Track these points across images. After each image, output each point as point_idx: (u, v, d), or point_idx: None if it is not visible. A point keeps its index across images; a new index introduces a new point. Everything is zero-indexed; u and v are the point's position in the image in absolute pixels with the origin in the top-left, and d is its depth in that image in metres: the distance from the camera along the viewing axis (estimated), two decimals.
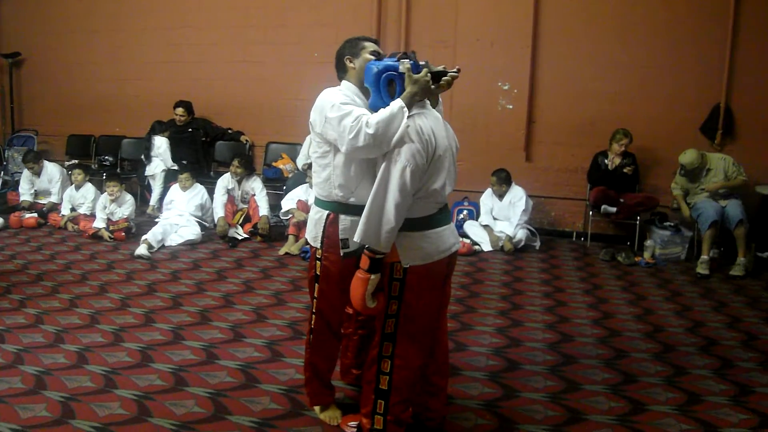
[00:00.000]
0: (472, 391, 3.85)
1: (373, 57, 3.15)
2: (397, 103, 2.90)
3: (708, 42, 7.27)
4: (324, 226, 3.22)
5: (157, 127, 8.84)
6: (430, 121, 2.92)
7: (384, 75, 2.95)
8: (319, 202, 3.28)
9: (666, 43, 7.40)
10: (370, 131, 2.85)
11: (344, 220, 3.19)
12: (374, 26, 8.15)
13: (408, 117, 2.87)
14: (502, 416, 3.57)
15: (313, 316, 3.39)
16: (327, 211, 3.22)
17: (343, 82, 3.26)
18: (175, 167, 8.51)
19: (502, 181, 7.37)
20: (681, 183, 6.97)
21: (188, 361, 4.15)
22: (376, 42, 3.27)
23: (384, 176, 2.82)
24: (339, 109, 2.99)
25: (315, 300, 3.36)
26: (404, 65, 2.94)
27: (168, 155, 8.67)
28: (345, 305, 3.44)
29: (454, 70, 3.06)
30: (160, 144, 8.71)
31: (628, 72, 7.55)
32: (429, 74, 2.92)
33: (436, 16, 8.08)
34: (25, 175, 8.49)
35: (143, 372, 3.98)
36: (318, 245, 3.26)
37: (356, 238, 2.89)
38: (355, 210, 3.16)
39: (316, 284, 3.33)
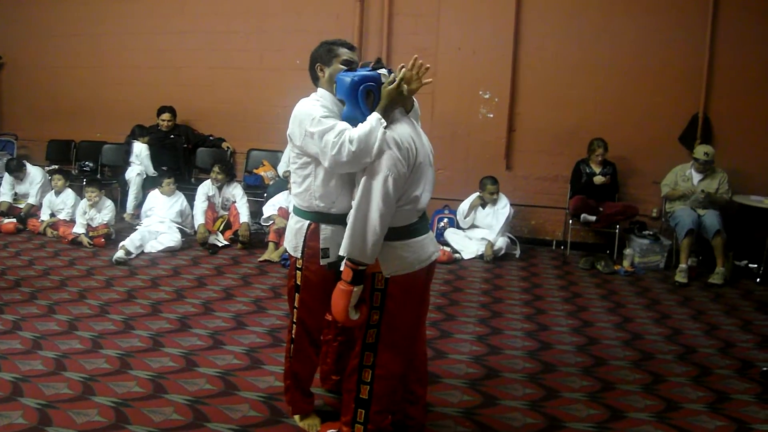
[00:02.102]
0: (452, 399, 3.86)
1: (344, 67, 3.12)
2: (374, 116, 2.88)
3: (686, 52, 7.35)
4: (305, 236, 3.21)
5: (137, 132, 8.81)
6: (408, 128, 2.92)
7: (362, 86, 2.91)
8: (298, 212, 3.27)
9: (645, 53, 7.47)
10: (353, 148, 2.83)
11: (325, 229, 3.18)
12: (356, 34, 8.16)
13: (385, 126, 2.87)
14: (482, 424, 3.58)
15: (294, 325, 3.38)
16: (308, 221, 3.21)
17: (319, 89, 3.23)
18: (156, 174, 8.47)
19: (497, 187, 7.38)
20: (673, 182, 7.07)
21: (167, 368, 4.13)
22: (352, 48, 3.22)
23: (366, 187, 2.80)
24: (320, 123, 2.97)
25: (295, 310, 3.35)
26: (384, 75, 2.93)
27: (148, 161, 8.64)
28: (325, 313, 3.43)
29: (400, 70, 2.97)
30: (140, 150, 8.67)
31: (607, 81, 7.62)
32: (400, 82, 2.90)
33: (418, 24, 8.11)
34: (7, 178, 8.42)
35: (121, 379, 3.96)
36: (299, 255, 3.25)
37: (342, 252, 2.87)
38: (336, 219, 3.17)
39: (297, 294, 3.32)
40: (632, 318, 5.45)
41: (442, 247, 7.11)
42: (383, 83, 2.93)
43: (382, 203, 2.77)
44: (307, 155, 3.12)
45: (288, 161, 7.60)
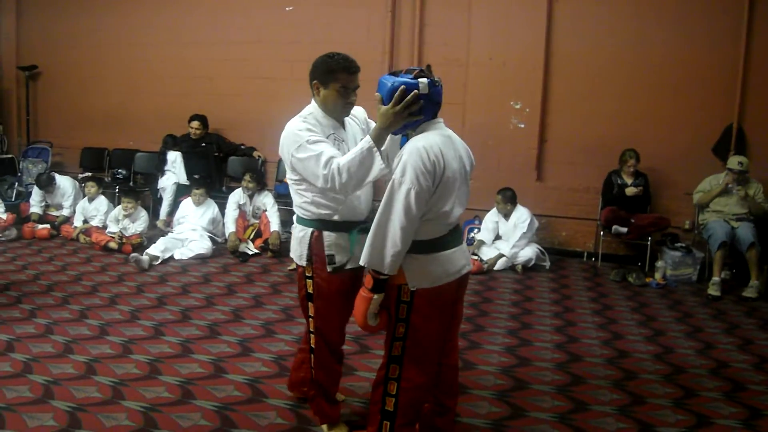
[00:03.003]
0: (480, 410, 3.84)
1: (339, 94, 3.12)
2: (366, 143, 2.89)
3: (720, 61, 7.28)
4: (309, 244, 3.23)
5: (170, 141, 8.89)
6: (439, 141, 2.84)
7: None
8: (301, 221, 3.29)
9: (678, 63, 7.41)
10: (343, 179, 2.90)
11: (329, 236, 3.21)
12: (387, 45, 8.21)
13: (413, 137, 2.86)
14: None
15: (311, 335, 3.38)
16: (310, 229, 3.23)
17: (312, 102, 3.25)
18: (188, 182, 8.55)
19: (508, 199, 7.33)
20: (706, 190, 6.99)
21: (196, 374, 4.16)
22: (353, 72, 3.15)
23: (388, 198, 2.78)
24: (305, 149, 3.01)
25: (311, 319, 3.35)
26: (423, 85, 2.83)
27: (182, 170, 8.71)
28: (343, 322, 3.41)
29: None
30: (174, 158, 8.76)
31: (639, 92, 7.57)
32: (400, 103, 2.82)
33: (449, 35, 8.12)
34: (38, 189, 8.57)
35: (151, 384, 4.00)
36: (304, 263, 3.27)
37: (361, 261, 2.87)
38: (340, 226, 3.20)
39: (310, 303, 3.32)
40: (664, 331, 5.38)
41: (471, 257, 7.06)
42: (425, 93, 2.84)
43: (404, 216, 2.74)
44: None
45: None
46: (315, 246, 3.22)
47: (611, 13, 7.60)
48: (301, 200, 3.24)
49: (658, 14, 7.46)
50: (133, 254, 6.79)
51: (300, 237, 3.28)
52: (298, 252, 3.30)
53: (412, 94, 2.81)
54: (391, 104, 2.83)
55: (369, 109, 3.36)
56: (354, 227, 3.25)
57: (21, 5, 10.32)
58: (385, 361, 3.03)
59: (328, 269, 3.22)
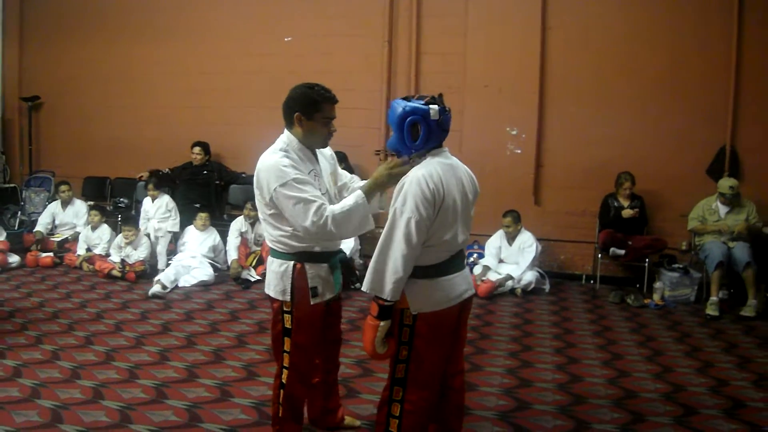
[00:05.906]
0: (483, 431, 3.88)
1: (323, 125, 3.21)
2: (359, 197, 3.02)
3: (712, 84, 7.43)
4: (292, 278, 3.21)
5: (157, 179, 8.54)
6: (440, 169, 2.94)
7: (409, 118, 2.95)
8: (280, 255, 3.26)
9: (670, 87, 7.55)
10: (332, 230, 2.98)
11: (311, 268, 3.22)
12: (384, 73, 8.33)
13: (417, 166, 2.94)
14: None
15: (284, 370, 3.30)
16: (292, 262, 3.21)
17: (287, 133, 3.29)
18: (161, 234, 8.12)
19: (517, 220, 7.43)
20: (700, 215, 7.11)
21: (202, 398, 4.21)
22: (335, 101, 3.27)
23: (390, 227, 2.87)
24: (292, 188, 3.02)
25: (286, 354, 3.28)
26: (434, 111, 2.95)
27: (150, 214, 8.31)
28: (317, 353, 3.45)
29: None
30: (149, 208, 8.37)
31: (634, 116, 7.68)
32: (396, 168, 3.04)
33: (445, 63, 8.25)
34: (49, 208, 8.75)
35: (158, 408, 4.04)
36: (288, 298, 3.22)
37: (363, 287, 2.92)
38: (320, 257, 3.23)
39: (287, 338, 3.27)
40: (663, 351, 5.43)
41: (488, 278, 7.20)
42: (435, 119, 2.96)
43: (404, 244, 2.82)
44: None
45: None
46: (298, 279, 3.21)
47: (604, 38, 7.76)
48: (279, 234, 3.21)
49: (649, 38, 7.62)
50: (152, 290, 6.78)
51: (281, 272, 3.24)
52: (279, 287, 3.25)
53: (405, 161, 3.05)
54: (386, 165, 3.05)
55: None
56: (333, 257, 3.31)
57: (24, 37, 10.43)
58: (389, 383, 3.07)
59: (312, 302, 3.23)
